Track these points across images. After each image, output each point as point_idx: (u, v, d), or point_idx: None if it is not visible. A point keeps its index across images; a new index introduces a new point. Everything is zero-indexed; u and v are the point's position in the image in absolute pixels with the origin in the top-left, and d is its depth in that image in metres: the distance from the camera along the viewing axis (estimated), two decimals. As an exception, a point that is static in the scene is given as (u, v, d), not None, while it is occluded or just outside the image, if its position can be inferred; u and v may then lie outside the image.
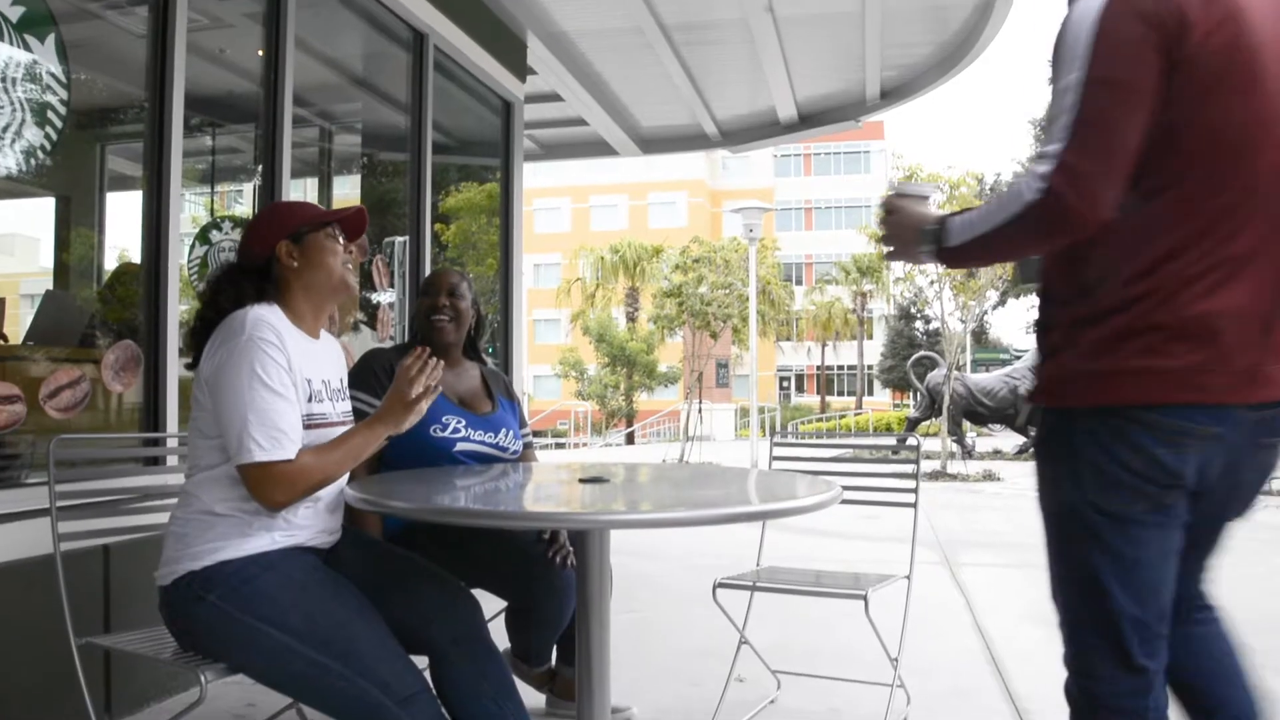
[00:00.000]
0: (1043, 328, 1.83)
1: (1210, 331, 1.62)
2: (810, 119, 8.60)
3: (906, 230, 1.89)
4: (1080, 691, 1.78)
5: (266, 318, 2.13)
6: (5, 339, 3.31)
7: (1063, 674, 1.82)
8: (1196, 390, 1.63)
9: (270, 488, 2.03)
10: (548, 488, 2.50)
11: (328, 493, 2.21)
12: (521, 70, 6.64)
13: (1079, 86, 1.60)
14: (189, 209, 3.80)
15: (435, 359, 2.25)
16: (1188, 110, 1.61)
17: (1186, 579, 1.84)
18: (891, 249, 1.95)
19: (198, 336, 2.20)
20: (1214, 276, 1.63)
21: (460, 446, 2.86)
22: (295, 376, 2.12)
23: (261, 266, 2.25)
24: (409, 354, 2.23)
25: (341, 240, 2.30)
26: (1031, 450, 1.89)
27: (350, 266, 2.30)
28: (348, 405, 2.38)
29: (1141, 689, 1.73)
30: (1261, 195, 1.65)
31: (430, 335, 2.97)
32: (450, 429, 2.85)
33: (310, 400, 2.18)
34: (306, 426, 2.14)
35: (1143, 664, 1.72)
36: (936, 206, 1.94)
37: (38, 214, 3.81)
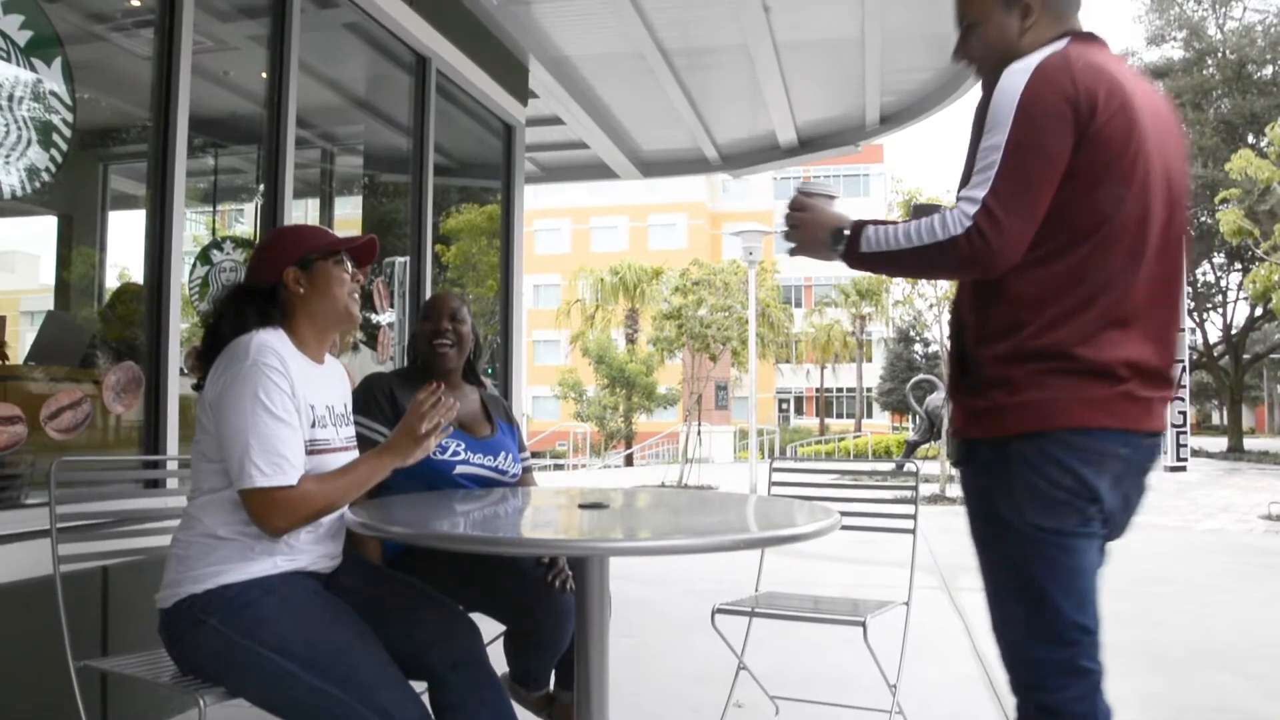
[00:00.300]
0: (961, 365, 2.02)
1: (1116, 376, 1.88)
2: (810, 143, 8.64)
3: (819, 227, 2.06)
4: (1034, 706, 1.93)
5: (271, 343, 2.14)
6: (6, 357, 3.32)
7: None
8: (1110, 416, 1.88)
9: (271, 513, 2.04)
10: (546, 513, 2.51)
11: (329, 518, 2.21)
12: (523, 94, 6.68)
13: (1005, 146, 1.84)
14: (190, 228, 3.82)
15: (451, 397, 2.25)
16: (1088, 182, 1.86)
17: None
18: (797, 244, 2.11)
19: (202, 361, 2.21)
20: (1114, 331, 1.89)
21: (460, 470, 2.86)
22: (298, 402, 2.13)
23: (268, 291, 2.26)
24: (423, 389, 2.23)
25: (350, 268, 2.31)
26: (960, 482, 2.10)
27: (355, 296, 2.31)
28: (351, 430, 2.39)
29: (1090, 691, 1.90)
30: (1147, 262, 1.91)
31: (433, 360, 2.98)
32: (450, 452, 2.85)
33: (313, 426, 2.18)
34: (309, 452, 2.14)
35: (1088, 666, 1.90)
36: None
37: (39, 231, 3.82)
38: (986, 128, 1.89)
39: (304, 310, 2.26)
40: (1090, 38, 2.01)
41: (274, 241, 2.35)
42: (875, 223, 1.99)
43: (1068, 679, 1.89)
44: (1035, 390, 1.88)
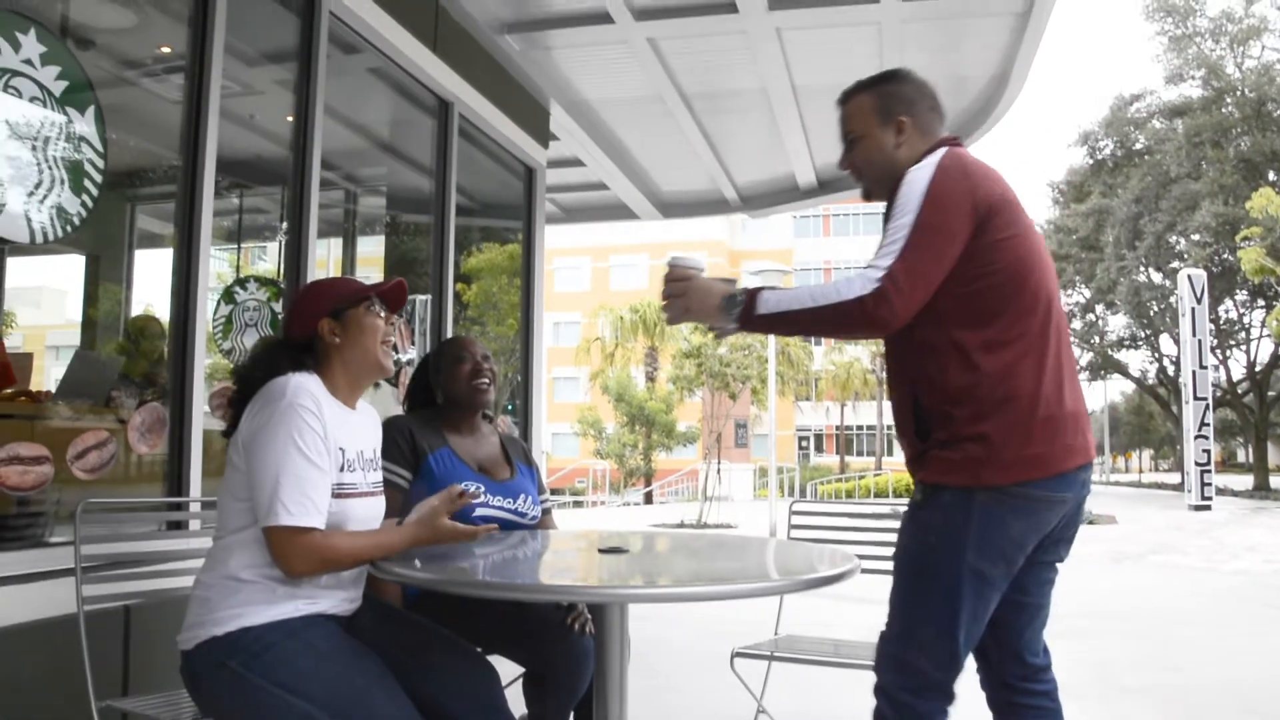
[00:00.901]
0: (926, 418, 2.20)
1: (1058, 429, 2.15)
2: (829, 184, 8.65)
3: (709, 295, 2.24)
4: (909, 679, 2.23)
5: (307, 385, 2.17)
6: (34, 397, 3.36)
7: None
8: (1051, 467, 2.13)
9: (291, 555, 2.05)
10: (566, 557, 2.51)
11: (349, 561, 2.22)
12: (544, 137, 6.74)
13: (912, 225, 2.10)
14: (213, 266, 3.85)
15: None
16: (999, 255, 2.13)
17: (1027, 629, 2.32)
18: (681, 311, 2.28)
19: (234, 407, 2.24)
20: (1047, 386, 2.13)
21: (479, 512, 2.87)
22: (329, 445, 2.16)
23: (303, 343, 2.31)
24: (478, 528, 2.27)
25: (382, 313, 2.34)
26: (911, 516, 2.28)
27: (389, 340, 2.35)
28: (378, 476, 2.41)
29: (955, 672, 2.21)
30: (1055, 317, 2.21)
31: (474, 399, 3.01)
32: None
33: (342, 470, 2.20)
34: (335, 495, 2.16)
35: (942, 680, 2.22)
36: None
37: (66, 268, 3.87)
38: (895, 212, 2.15)
39: (338, 358, 2.30)
40: (958, 142, 2.36)
41: (306, 296, 2.39)
42: (770, 288, 2.20)
43: (924, 686, 2.21)
44: (1009, 445, 2.10)
